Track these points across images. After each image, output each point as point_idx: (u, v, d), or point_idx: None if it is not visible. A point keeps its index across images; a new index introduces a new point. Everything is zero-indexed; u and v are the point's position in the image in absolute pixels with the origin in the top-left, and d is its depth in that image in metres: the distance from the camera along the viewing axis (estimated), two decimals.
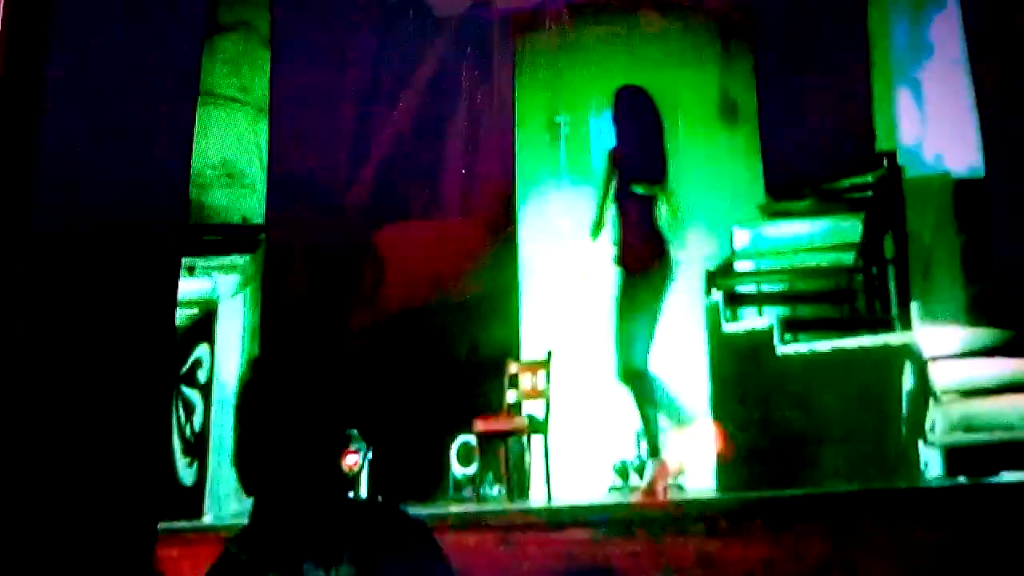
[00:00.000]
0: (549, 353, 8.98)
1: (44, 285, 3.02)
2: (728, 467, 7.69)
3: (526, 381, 8.86)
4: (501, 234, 10.68)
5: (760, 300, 8.35)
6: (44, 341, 3.00)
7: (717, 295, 8.35)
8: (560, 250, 10.05)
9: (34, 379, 2.96)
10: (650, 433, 7.59)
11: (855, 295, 8.17)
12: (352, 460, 8.18)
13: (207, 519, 8.78)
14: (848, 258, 8.27)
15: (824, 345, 7.64)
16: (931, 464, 7.43)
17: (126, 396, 3.18)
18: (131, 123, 3.40)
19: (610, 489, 9.28)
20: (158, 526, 3.20)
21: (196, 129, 9.90)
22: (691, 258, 9.41)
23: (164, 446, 8.80)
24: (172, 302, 3.74)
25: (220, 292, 9.58)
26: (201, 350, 9.39)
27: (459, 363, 10.11)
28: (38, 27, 3.08)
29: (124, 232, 3.28)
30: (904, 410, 7.30)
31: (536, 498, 8.75)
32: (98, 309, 3.14)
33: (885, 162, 8.61)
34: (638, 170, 7.50)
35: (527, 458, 8.90)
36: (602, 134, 10.39)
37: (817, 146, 9.10)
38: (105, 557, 2.92)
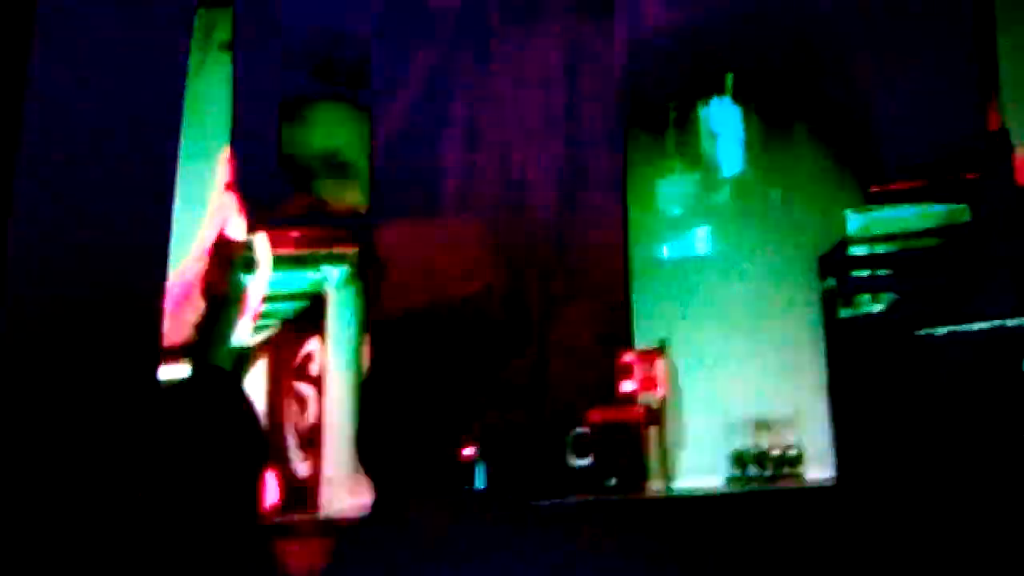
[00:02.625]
0: (663, 341, 9.24)
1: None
2: (852, 456, 7.88)
3: (641, 370, 9.13)
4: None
5: (874, 286, 8.47)
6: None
7: (830, 282, 8.53)
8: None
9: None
10: None
11: (971, 279, 8.26)
12: (469, 452, 8.40)
13: (322, 513, 9.08)
14: (962, 241, 8.38)
15: (941, 330, 7.80)
16: None
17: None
18: (113, 134, 3.57)
19: (728, 479, 9.39)
20: (275, 520, 3.36)
21: (302, 120, 10.18)
22: (801, 244, 9.56)
23: (278, 441, 9.13)
24: (158, 317, 3.92)
25: (330, 284, 9.85)
26: (312, 343, 9.64)
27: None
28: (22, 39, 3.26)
29: (106, 245, 3.47)
30: None
31: (653, 489, 9.04)
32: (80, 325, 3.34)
33: (995, 142, 8.75)
34: None
35: (643, 449, 9.15)
36: (713, 117, 10.63)
37: (927, 127, 9.16)
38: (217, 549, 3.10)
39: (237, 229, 8.88)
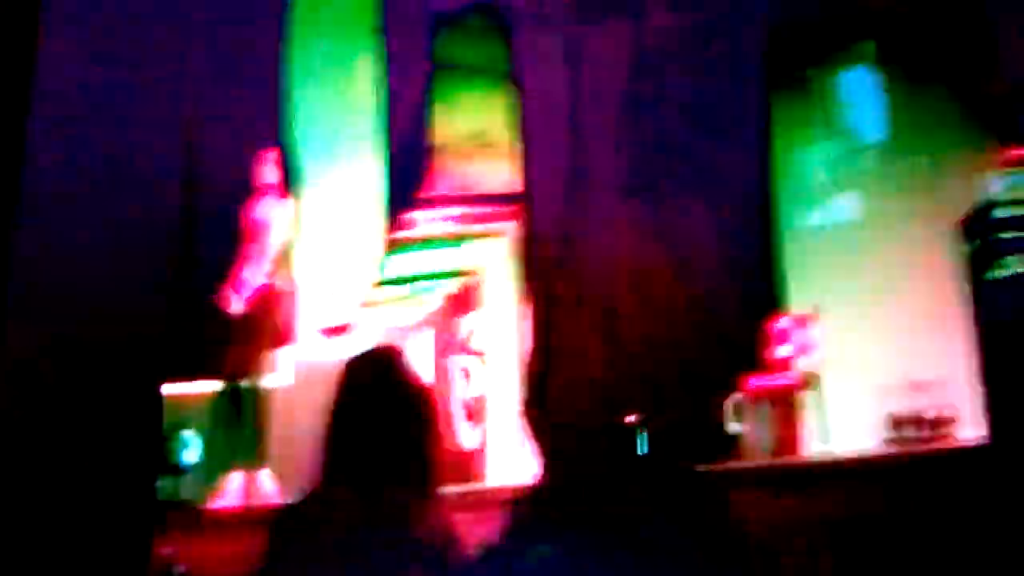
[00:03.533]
0: (817, 306, 9.47)
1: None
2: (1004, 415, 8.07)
3: (796, 336, 9.46)
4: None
5: (1020, 248, 8.56)
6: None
7: (976, 244, 8.68)
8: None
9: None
10: None
11: None
12: (631, 419, 8.59)
13: (489, 482, 9.39)
14: None
15: None
16: None
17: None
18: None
19: (885, 441, 9.38)
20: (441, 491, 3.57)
21: (445, 100, 10.57)
22: (947, 207, 9.64)
23: (444, 414, 9.50)
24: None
25: (489, 259, 10.23)
26: (475, 317, 10.01)
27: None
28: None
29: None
30: None
31: (809, 453, 9.20)
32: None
33: None
34: None
35: (799, 413, 9.34)
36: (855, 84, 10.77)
37: None
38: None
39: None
